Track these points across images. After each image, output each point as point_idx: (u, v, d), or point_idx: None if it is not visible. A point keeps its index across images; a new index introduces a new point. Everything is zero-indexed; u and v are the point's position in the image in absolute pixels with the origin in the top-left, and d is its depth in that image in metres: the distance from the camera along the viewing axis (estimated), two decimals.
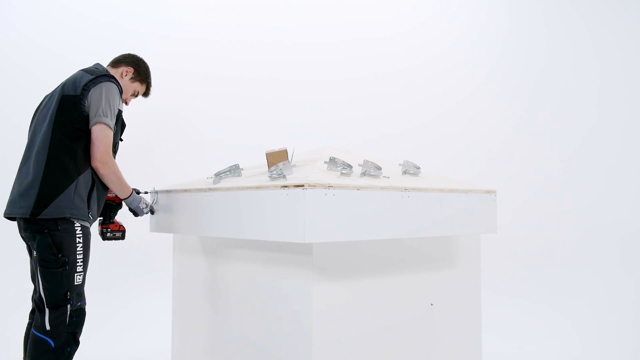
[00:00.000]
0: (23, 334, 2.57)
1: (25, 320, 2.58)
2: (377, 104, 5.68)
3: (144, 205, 2.76)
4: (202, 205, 2.57)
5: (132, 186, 2.75)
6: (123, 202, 2.76)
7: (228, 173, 2.69)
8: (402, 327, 2.58)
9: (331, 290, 2.28)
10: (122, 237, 2.75)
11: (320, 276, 2.23)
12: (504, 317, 4.54)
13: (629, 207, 5.40)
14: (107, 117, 2.38)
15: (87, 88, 2.37)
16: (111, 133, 2.40)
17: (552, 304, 4.90)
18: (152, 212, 2.89)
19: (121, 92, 2.52)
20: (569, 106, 5.68)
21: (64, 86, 2.44)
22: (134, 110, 4.02)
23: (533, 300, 4.95)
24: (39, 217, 2.28)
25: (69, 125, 2.35)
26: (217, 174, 2.70)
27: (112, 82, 2.44)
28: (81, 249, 2.37)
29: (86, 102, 2.37)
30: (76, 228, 2.36)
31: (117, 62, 2.72)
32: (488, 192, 2.82)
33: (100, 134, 2.36)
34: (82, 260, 2.37)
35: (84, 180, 2.38)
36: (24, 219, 2.34)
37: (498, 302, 4.56)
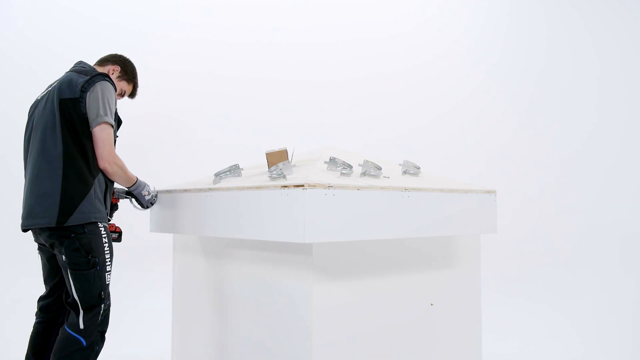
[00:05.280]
0: (30, 332, 2.58)
1: (25, 319, 2.57)
2: (377, 104, 5.68)
3: (147, 193, 2.76)
4: (202, 205, 2.57)
5: None
6: (118, 204, 2.78)
7: (228, 173, 2.69)
8: (402, 327, 2.58)
9: (331, 290, 2.28)
10: (119, 239, 2.75)
11: (320, 276, 2.23)
12: (504, 317, 4.54)
13: (629, 207, 5.40)
14: (107, 115, 2.38)
15: (84, 89, 2.36)
16: (112, 131, 2.42)
17: (552, 304, 4.90)
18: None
19: (116, 89, 2.52)
20: (569, 106, 5.68)
21: (59, 90, 2.39)
22: (133, 111, 4.02)
23: (533, 300, 4.95)
24: (65, 224, 2.28)
25: (75, 129, 2.35)
26: (217, 174, 2.70)
27: (107, 80, 2.44)
28: (108, 248, 2.41)
29: (85, 103, 2.36)
30: (100, 229, 2.39)
31: (104, 60, 2.73)
32: (488, 192, 2.82)
33: (104, 134, 2.37)
34: (109, 259, 2.43)
35: (98, 183, 2.41)
36: (48, 228, 2.32)
37: (498, 302, 4.56)
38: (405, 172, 2.81)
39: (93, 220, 2.35)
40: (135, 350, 3.98)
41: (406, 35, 5.80)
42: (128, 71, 2.75)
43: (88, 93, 2.36)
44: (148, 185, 2.79)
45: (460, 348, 2.88)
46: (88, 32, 5.21)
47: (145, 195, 2.75)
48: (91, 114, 2.36)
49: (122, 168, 2.50)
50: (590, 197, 5.47)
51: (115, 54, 2.77)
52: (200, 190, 2.59)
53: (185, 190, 2.70)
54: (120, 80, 2.72)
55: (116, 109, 2.54)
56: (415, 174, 2.83)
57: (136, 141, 5.08)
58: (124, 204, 2.87)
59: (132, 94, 2.84)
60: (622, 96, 5.64)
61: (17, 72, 5.08)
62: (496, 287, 4.66)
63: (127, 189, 2.70)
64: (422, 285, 2.69)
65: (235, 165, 2.70)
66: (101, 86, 2.39)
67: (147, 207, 2.85)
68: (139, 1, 5.44)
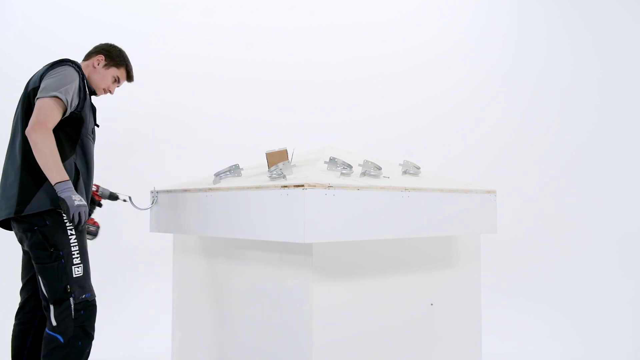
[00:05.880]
0: (10, 336, 2.54)
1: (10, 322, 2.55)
2: (377, 104, 5.68)
3: (78, 199, 2.22)
4: (202, 205, 2.57)
5: (133, 188, 2.75)
6: (102, 201, 2.71)
7: (228, 173, 2.69)
8: (402, 327, 2.58)
9: (331, 290, 2.28)
10: (95, 234, 2.59)
11: (320, 276, 2.23)
12: (504, 317, 4.54)
13: (629, 207, 5.40)
14: (57, 92, 2.23)
15: (43, 76, 2.33)
16: (56, 108, 2.23)
17: (552, 304, 4.89)
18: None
19: (81, 74, 2.40)
20: (569, 106, 5.68)
21: (27, 83, 2.43)
22: (133, 112, 4.04)
23: (533, 300, 4.95)
24: (23, 214, 2.24)
25: None
26: (217, 174, 2.70)
27: (68, 65, 2.37)
28: (75, 240, 2.30)
29: None
30: (65, 221, 2.28)
31: (89, 54, 2.66)
32: (488, 192, 2.82)
33: (42, 103, 2.22)
34: (78, 252, 2.30)
35: (67, 171, 2.26)
36: (14, 220, 2.32)
37: (498, 302, 4.56)
38: (405, 172, 2.81)
39: (51, 207, 2.24)
40: (135, 350, 3.98)
41: (406, 35, 5.80)
42: (114, 56, 2.63)
43: (46, 77, 2.31)
44: (83, 199, 2.28)
45: (460, 348, 2.88)
46: (88, 32, 5.21)
47: (75, 200, 2.20)
48: (41, 88, 2.27)
49: (50, 147, 2.18)
50: (590, 197, 5.47)
51: (99, 44, 2.66)
52: (200, 190, 2.59)
53: (185, 190, 2.70)
54: (108, 68, 2.61)
55: (86, 94, 2.42)
56: (415, 174, 2.83)
57: (136, 141, 5.08)
58: (123, 205, 2.84)
59: (129, 78, 2.72)
60: (622, 96, 5.64)
61: (17, 72, 5.06)
62: (496, 287, 4.66)
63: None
64: (422, 285, 2.69)
65: (235, 165, 2.70)
66: (59, 69, 2.33)
67: (74, 218, 2.22)
68: (139, 1, 5.44)
